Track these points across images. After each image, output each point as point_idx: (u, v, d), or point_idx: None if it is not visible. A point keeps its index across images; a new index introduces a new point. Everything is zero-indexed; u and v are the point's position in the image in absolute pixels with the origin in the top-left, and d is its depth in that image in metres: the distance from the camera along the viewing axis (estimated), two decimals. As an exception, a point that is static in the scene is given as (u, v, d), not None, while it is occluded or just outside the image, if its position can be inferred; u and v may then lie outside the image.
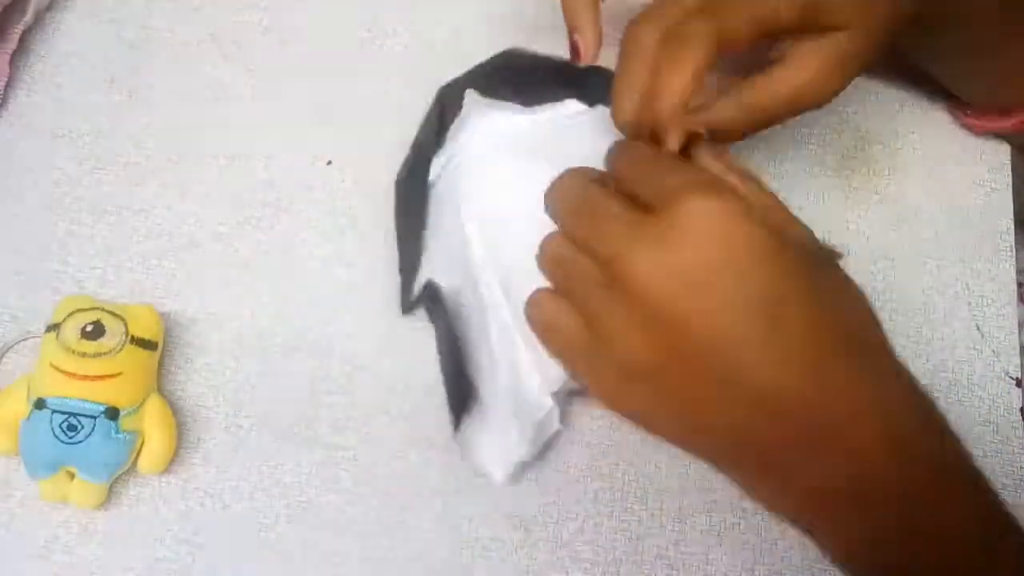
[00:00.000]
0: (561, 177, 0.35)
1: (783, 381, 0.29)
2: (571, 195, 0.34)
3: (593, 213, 0.32)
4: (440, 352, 0.45)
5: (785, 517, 0.33)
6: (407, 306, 0.46)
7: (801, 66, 0.40)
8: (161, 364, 0.44)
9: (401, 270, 0.46)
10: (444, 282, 0.45)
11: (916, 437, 0.32)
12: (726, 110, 0.41)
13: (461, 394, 0.43)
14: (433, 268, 0.45)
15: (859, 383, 0.31)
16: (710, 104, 0.41)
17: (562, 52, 0.44)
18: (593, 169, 0.35)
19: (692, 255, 0.29)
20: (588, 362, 0.32)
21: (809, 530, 0.32)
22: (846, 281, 0.33)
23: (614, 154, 0.35)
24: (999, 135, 0.52)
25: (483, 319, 0.42)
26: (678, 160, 0.35)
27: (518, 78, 0.46)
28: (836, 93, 0.42)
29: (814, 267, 0.32)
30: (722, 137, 0.41)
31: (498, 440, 0.42)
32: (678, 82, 0.37)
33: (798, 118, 0.44)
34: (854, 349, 0.31)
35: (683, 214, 0.29)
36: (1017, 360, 0.49)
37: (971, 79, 0.50)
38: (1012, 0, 0.45)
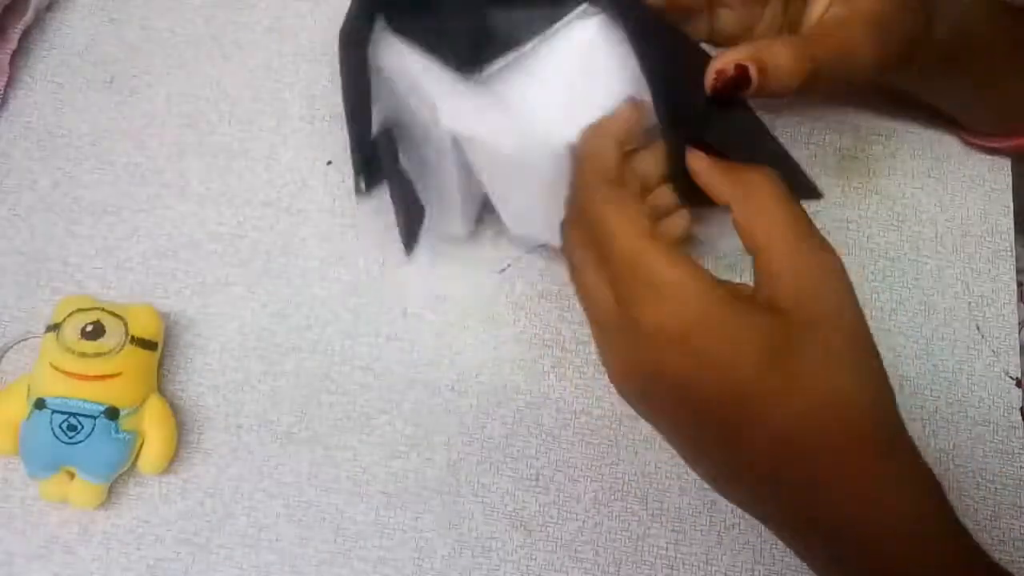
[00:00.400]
0: (585, 140, 0.36)
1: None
2: (581, 194, 0.34)
3: (601, 242, 0.33)
4: (393, 196, 0.44)
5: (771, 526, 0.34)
6: (364, 182, 0.44)
7: (846, 18, 0.39)
8: (161, 364, 0.44)
9: (353, 144, 0.44)
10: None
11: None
12: (780, 51, 0.37)
13: (412, 224, 0.43)
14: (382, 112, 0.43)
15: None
16: (760, 46, 0.37)
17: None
18: (622, 126, 0.36)
19: (701, 328, 0.31)
20: (608, 339, 0.33)
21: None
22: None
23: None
24: (999, 153, 0.53)
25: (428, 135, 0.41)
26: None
27: None
28: (878, 63, 0.39)
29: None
30: (773, 85, 0.37)
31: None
32: None
33: (796, 119, 0.43)
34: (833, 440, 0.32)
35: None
36: (1017, 360, 0.49)
37: (974, 109, 0.50)
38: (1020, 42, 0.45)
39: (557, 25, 0.36)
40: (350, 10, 0.41)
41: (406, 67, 0.39)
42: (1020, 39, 0.45)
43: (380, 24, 0.39)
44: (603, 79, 0.37)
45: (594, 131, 0.36)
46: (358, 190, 0.45)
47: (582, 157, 0.35)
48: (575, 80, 0.37)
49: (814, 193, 0.40)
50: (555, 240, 0.37)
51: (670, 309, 0.30)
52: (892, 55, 0.40)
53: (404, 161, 0.43)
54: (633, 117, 0.36)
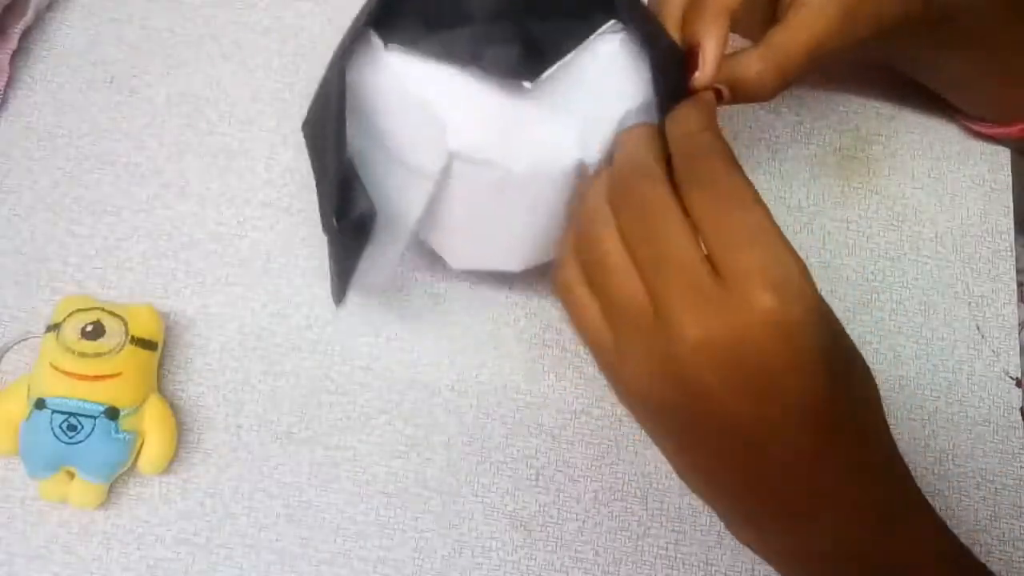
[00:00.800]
0: (630, 136, 0.35)
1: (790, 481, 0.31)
2: (635, 180, 0.32)
3: (656, 238, 0.30)
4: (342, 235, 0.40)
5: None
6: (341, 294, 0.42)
7: (817, 8, 0.39)
8: (161, 364, 0.44)
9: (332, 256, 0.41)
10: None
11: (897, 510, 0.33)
12: (749, 64, 0.38)
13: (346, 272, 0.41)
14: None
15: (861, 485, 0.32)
16: (731, 61, 0.38)
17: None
18: (659, 131, 0.35)
19: (754, 356, 0.29)
20: (603, 356, 0.33)
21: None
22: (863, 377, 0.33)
23: (678, 148, 0.33)
24: (1001, 141, 0.52)
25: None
26: (752, 206, 0.31)
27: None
28: (855, 40, 0.40)
29: (851, 375, 0.32)
30: (749, 96, 0.38)
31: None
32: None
33: (796, 119, 0.43)
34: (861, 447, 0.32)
35: (756, 310, 0.28)
36: (1017, 360, 0.49)
37: (975, 93, 0.50)
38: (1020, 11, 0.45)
39: (592, 37, 0.36)
40: (356, 21, 0.38)
41: (402, 87, 0.37)
42: (1020, 9, 0.45)
43: (368, 42, 0.38)
44: (617, 95, 0.37)
45: (638, 135, 0.35)
46: (328, 228, 0.39)
47: (632, 145, 0.34)
48: (592, 95, 0.37)
49: None
50: (512, 266, 0.40)
51: (723, 323, 0.29)
52: (874, 33, 0.40)
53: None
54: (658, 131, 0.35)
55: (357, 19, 0.38)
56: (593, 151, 0.37)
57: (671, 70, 0.37)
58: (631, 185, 0.32)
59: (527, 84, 0.35)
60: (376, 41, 0.37)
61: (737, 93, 0.38)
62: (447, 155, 0.36)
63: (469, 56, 0.35)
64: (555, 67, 0.35)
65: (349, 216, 0.37)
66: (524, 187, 0.37)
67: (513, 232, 0.40)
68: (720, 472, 0.32)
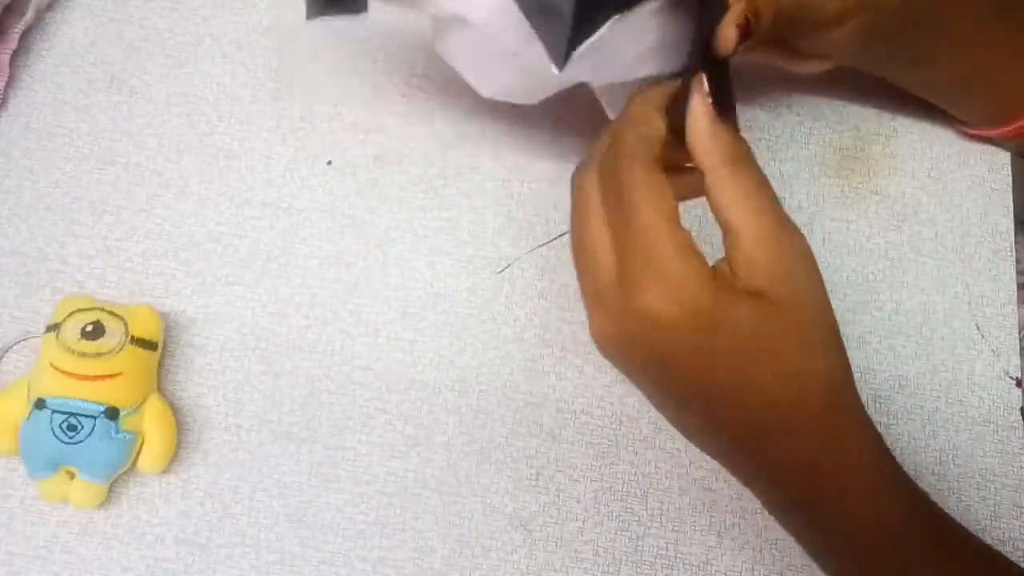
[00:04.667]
0: (633, 103, 0.36)
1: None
2: (616, 159, 0.34)
3: (621, 221, 0.34)
4: None
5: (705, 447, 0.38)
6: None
7: None
8: (161, 364, 0.44)
9: None
10: None
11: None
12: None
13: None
14: None
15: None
16: None
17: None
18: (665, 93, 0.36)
19: (636, 347, 0.34)
20: (599, 300, 0.34)
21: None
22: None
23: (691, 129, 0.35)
24: (996, 142, 0.53)
25: None
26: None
27: None
28: (841, 14, 0.41)
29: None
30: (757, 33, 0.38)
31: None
32: None
33: (796, 119, 0.43)
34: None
35: (636, 307, 0.33)
36: (1017, 360, 0.49)
37: (965, 98, 0.50)
38: (1007, 9, 0.46)
39: None
40: None
41: None
42: (1004, 8, 0.46)
43: None
44: (659, 49, 0.37)
45: (643, 98, 0.36)
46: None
47: (627, 121, 0.35)
48: (636, 50, 0.37)
49: None
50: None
51: (669, 297, 0.32)
52: (858, 8, 0.41)
53: None
54: (681, 94, 0.36)
55: None
56: None
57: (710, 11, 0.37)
58: (612, 164, 0.35)
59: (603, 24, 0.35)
60: None
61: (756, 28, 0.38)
62: None
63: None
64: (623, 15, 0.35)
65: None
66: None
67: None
68: (688, 413, 0.36)
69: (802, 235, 0.35)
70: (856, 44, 0.44)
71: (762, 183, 0.34)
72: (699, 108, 0.34)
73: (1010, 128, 0.50)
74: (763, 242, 0.33)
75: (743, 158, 0.34)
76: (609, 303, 0.34)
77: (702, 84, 0.34)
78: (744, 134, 0.39)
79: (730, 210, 0.33)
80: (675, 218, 0.33)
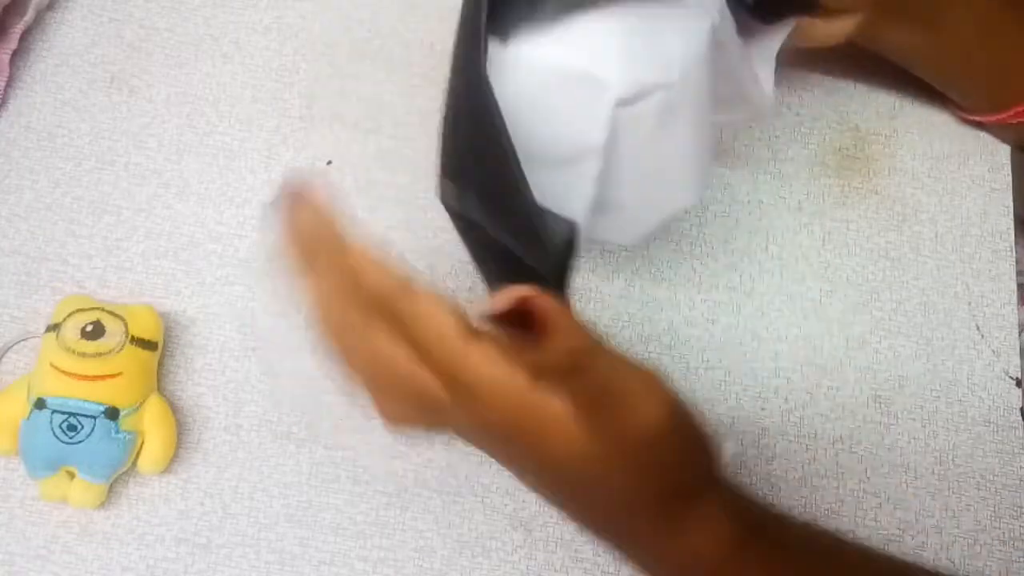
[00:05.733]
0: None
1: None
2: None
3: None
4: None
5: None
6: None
7: None
8: (161, 364, 0.44)
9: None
10: None
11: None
12: None
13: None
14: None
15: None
16: None
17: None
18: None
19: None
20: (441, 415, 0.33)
21: None
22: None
23: None
24: (993, 130, 0.52)
25: None
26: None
27: None
28: None
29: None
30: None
31: None
32: None
33: (796, 119, 0.43)
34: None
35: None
36: (1017, 360, 0.49)
37: (967, 81, 0.50)
38: None
39: None
40: (466, 31, 0.34)
41: (538, 73, 0.34)
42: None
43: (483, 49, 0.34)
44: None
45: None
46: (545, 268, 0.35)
47: (377, 267, 0.33)
48: None
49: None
50: (689, 198, 0.39)
51: (488, 410, 0.31)
52: None
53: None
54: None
55: (467, 29, 0.34)
56: (716, 14, 0.36)
57: None
58: (387, 293, 0.32)
59: None
60: (491, 43, 0.34)
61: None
62: (611, 110, 0.34)
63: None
64: None
65: (553, 245, 0.34)
66: (684, 92, 0.36)
67: (686, 154, 0.38)
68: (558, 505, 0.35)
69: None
70: None
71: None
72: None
73: (1008, 114, 0.50)
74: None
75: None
76: (449, 414, 0.32)
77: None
78: (744, 134, 0.39)
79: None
80: (472, 333, 0.31)
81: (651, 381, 0.32)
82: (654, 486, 0.32)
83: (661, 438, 0.32)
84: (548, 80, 0.35)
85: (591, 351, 0.32)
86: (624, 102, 0.35)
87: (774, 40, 0.42)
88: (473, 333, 0.31)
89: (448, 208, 0.37)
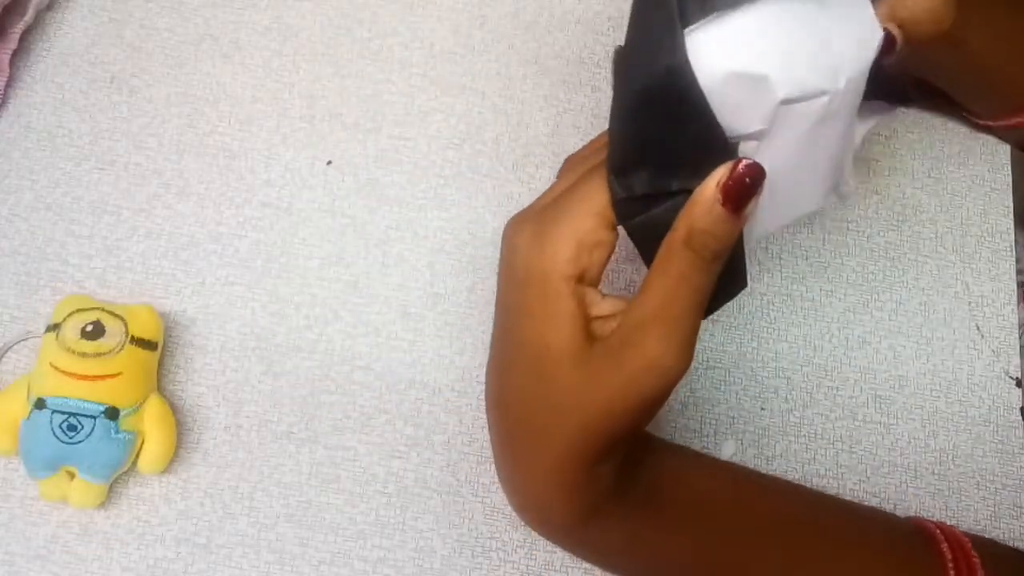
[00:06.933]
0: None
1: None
2: None
3: None
4: None
5: None
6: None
7: None
8: (161, 364, 0.44)
9: None
10: None
11: None
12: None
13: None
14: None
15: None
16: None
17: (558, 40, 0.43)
18: None
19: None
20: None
21: None
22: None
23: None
24: (998, 134, 0.52)
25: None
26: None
27: None
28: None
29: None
30: (925, 31, 0.35)
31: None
32: None
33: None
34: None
35: None
36: (1017, 360, 0.49)
37: (978, 86, 0.50)
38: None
39: None
40: (640, 27, 0.35)
41: (716, 57, 0.34)
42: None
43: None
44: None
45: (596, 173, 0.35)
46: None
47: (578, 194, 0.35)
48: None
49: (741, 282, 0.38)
50: (816, 202, 0.39)
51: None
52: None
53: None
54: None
55: (658, 14, 0.34)
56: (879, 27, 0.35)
57: None
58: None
59: None
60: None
61: (910, 31, 0.35)
62: (775, 108, 0.34)
63: None
64: None
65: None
66: (844, 100, 0.36)
67: (827, 162, 0.38)
68: None
69: (672, 364, 0.32)
70: None
71: (699, 292, 0.33)
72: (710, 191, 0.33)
73: (1021, 119, 0.50)
74: (634, 332, 0.32)
75: (704, 265, 0.33)
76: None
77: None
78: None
79: (651, 288, 0.32)
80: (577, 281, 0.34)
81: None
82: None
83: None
84: (716, 72, 0.34)
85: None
86: (788, 101, 0.35)
87: (867, 123, 0.41)
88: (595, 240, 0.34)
89: (618, 196, 0.36)
